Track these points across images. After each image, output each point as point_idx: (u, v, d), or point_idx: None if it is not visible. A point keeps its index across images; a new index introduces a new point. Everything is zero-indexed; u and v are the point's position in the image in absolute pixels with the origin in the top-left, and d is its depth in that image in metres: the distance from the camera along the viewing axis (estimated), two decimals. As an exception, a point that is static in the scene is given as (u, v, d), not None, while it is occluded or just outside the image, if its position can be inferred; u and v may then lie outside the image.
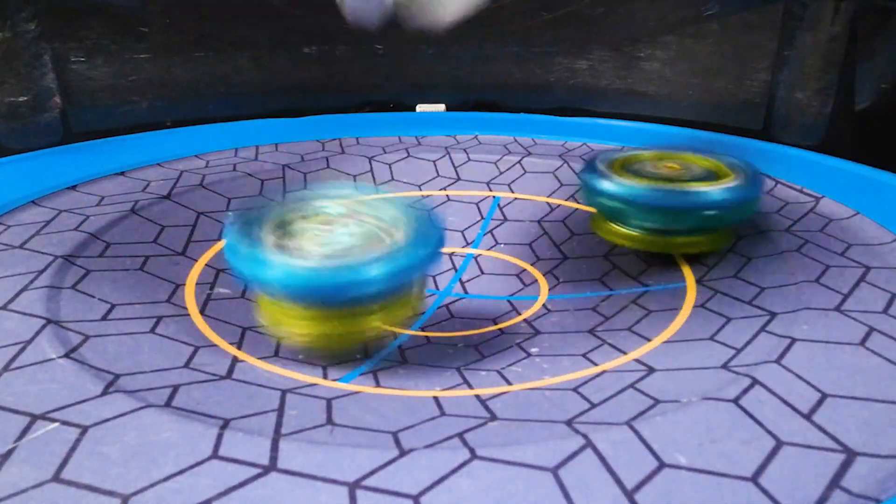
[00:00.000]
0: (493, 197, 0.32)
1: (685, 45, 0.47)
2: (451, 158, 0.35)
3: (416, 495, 0.13)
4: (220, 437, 0.15)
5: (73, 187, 0.30)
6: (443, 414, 0.17)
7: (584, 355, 0.21)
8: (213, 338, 0.21)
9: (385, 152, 0.35)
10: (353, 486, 0.14)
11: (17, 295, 0.21)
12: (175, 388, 0.17)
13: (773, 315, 0.21)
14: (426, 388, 0.19)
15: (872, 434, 0.15)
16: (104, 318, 0.21)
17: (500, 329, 0.24)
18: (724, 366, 0.18)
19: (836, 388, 0.17)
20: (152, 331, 0.21)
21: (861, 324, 0.20)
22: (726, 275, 0.24)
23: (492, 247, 0.30)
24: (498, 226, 0.31)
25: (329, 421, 0.16)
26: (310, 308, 0.20)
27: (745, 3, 0.44)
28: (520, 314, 0.25)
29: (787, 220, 0.27)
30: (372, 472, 0.14)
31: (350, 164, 0.34)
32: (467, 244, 0.31)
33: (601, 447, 0.15)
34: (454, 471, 0.14)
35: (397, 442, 0.15)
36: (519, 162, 0.34)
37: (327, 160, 0.34)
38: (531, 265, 0.28)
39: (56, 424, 0.15)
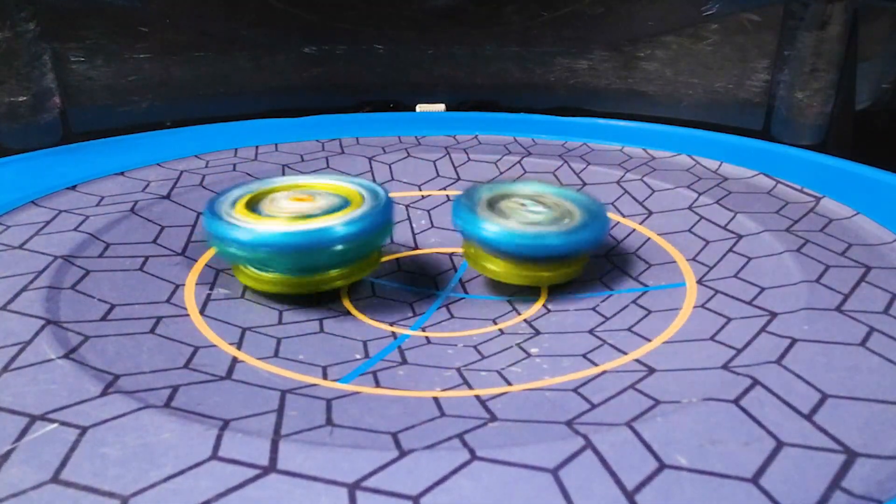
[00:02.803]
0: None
1: (685, 45, 0.47)
2: (451, 158, 0.35)
3: (416, 496, 0.13)
4: (219, 438, 0.15)
5: (73, 187, 0.30)
6: (443, 414, 0.17)
7: (584, 355, 0.21)
8: (213, 338, 0.21)
9: (385, 152, 0.35)
10: (353, 487, 0.14)
11: (16, 295, 0.21)
12: (175, 389, 0.17)
13: (773, 315, 0.21)
14: (426, 388, 0.19)
15: (873, 435, 0.15)
16: (104, 319, 0.21)
17: (500, 329, 0.24)
18: (725, 366, 0.18)
19: (837, 388, 0.17)
20: (152, 331, 0.21)
21: (862, 324, 0.20)
22: (726, 275, 0.24)
23: None
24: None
25: (329, 422, 0.16)
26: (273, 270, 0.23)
27: (745, 3, 0.44)
28: (520, 314, 0.25)
29: (787, 220, 0.27)
30: (372, 473, 0.14)
31: (350, 164, 0.34)
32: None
33: (601, 448, 0.15)
34: (454, 472, 0.14)
35: (397, 443, 0.15)
36: (519, 162, 0.34)
37: (327, 160, 0.34)
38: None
39: (55, 425, 0.15)
